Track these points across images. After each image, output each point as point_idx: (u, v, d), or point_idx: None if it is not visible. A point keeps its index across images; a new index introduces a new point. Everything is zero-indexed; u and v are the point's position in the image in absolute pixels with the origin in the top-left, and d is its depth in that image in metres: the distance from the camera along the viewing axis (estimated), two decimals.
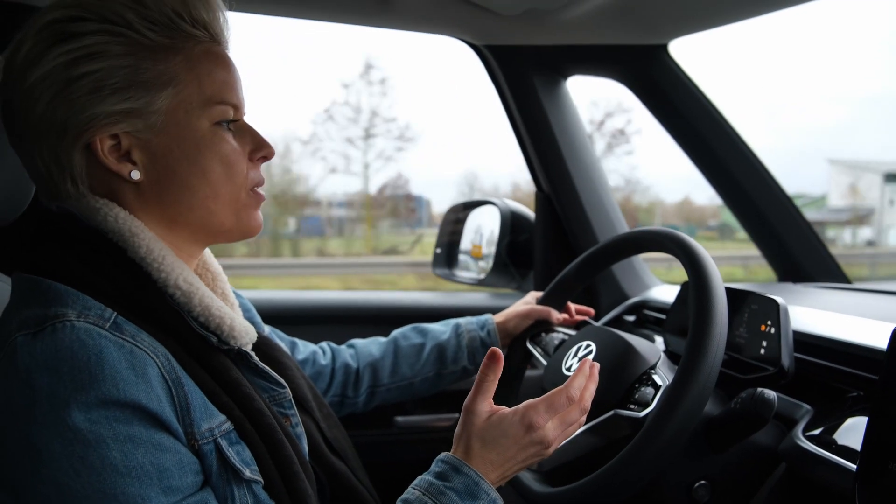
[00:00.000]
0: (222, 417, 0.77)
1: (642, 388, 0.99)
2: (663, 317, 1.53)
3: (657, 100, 1.73)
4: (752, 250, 1.72)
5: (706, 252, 1.00)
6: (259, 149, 0.87)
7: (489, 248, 1.99)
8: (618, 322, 1.73)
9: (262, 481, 0.79)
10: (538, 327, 1.32)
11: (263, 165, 0.90)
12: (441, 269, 2.14)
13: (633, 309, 1.74)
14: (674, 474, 1.01)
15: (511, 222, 1.95)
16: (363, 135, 17.84)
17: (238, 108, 0.85)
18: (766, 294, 1.13)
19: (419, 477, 0.83)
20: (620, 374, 1.02)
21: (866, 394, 1.00)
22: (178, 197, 0.82)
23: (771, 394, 0.93)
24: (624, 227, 1.86)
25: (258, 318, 1.11)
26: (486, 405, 0.87)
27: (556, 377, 1.11)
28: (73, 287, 0.74)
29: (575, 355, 1.11)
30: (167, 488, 0.69)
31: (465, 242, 2.11)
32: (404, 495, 0.81)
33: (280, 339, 1.20)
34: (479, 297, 2.04)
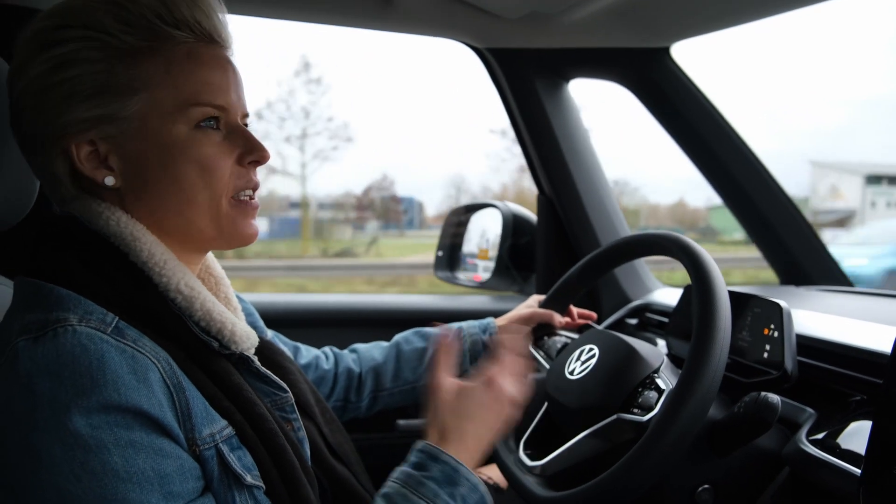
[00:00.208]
0: (223, 422, 0.77)
1: (646, 392, 0.99)
2: (666, 320, 1.53)
3: (659, 103, 1.73)
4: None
5: (709, 255, 1.00)
6: (250, 152, 0.84)
7: (494, 252, 1.99)
8: (620, 325, 1.73)
9: (264, 486, 0.78)
10: (541, 331, 1.32)
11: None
12: (443, 271, 2.14)
13: (635, 312, 1.74)
14: (677, 478, 1.00)
15: (513, 225, 1.95)
16: (300, 134, 17.82)
17: (225, 109, 0.82)
18: (768, 297, 1.13)
19: (397, 468, 0.83)
20: (623, 377, 1.02)
21: (870, 398, 0.99)
22: (155, 203, 0.81)
23: (774, 398, 0.93)
24: (626, 231, 1.86)
25: (261, 323, 1.11)
26: (449, 380, 0.90)
27: (559, 381, 1.11)
28: (74, 291, 0.74)
29: (578, 359, 1.11)
30: (168, 494, 0.69)
31: (471, 246, 2.10)
32: (383, 489, 0.81)
33: (283, 343, 1.20)
34: (481, 300, 2.04)
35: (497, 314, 1.40)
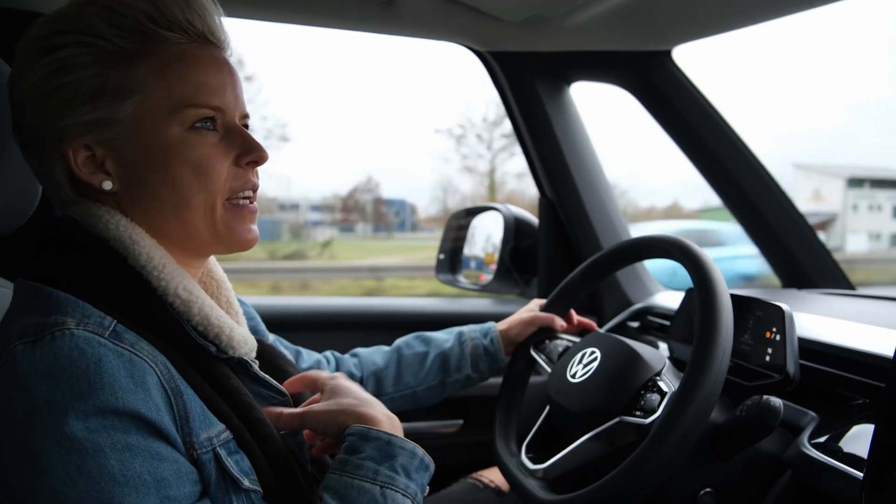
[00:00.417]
0: (221, 426, 0.77)
1: (648, 395, 0.98)
2: (667, 323, 1.52)
3: (661, 106, 1.73)
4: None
5: (711, 259, 1.00)
6: (248, 152, 0.83)
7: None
8: (622, 328, 1.73)
9: (262, 491, 0.78)
10: (542, 334, 1.32)
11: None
12: (444, 274, 2.14)
13: (637, 315, 1.74)
14: (679, 482, 1.00)
15: (514, 228, 1.95)
16: None
17: (221, 109, 0.82)
18: (770, 301, 1.13)
19: (335, 458, 0.83)
20: (625, 380, 1.02)
21: (872, 401, 0.99)
22: (151, 207, 0.81)
23: (776, 401, 0.93)
24: (628, 234, 1.86)
25: (262, 326, 1.11)
26: (315, 373, 0.97)
27: (560, 384, 1.11)
28: (73, 295, 0.74)
29: (580, 362, 1.11)
30: (165, 498, 0.68)
31: (477, 250, 2.10)
32: (324, 482, 0.80)
33: (285, 347, 1.20)
34: (483, 304, 2.04)
35: (498, 317, 1.40)
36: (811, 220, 1.75)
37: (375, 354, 1.32)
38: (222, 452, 0.75)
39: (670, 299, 1.72)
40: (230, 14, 0.87)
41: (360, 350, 1.34)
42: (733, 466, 1.01)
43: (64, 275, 0.76)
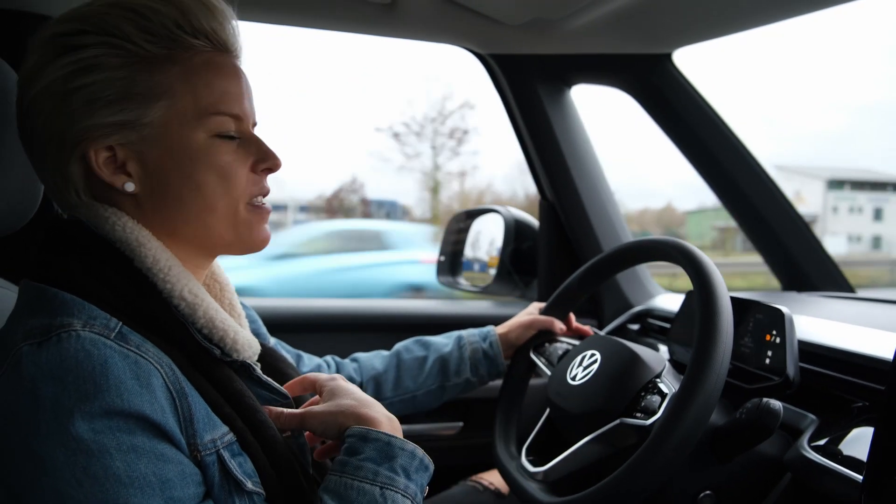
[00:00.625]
0: (225, 428, 0.77)
1: (648, 397, 0.99)
2: (668, 326, 1.53)
3: (661, 109, 1.73)
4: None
5: (711, 261, 1.00)
6: (263, 160, 0.86)
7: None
8: (622, 331, 1.73)
9: (264, 493, 0.78)
10: (541, 337, 1.32)
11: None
12: (445, 276, 2.14)
13: (637, 318, 1.74)
14: (679, 484, 1.00)
15: (515, 230, 1.95)
16: None
17: (241, 118, 0.83)
18: (770, 303, 1.13)
19: (335, 459, 0.83)
20: (626, 382, 1.02)
21: (872, 404, 0.99)
22: (173, 210, 0.81)
23: (776, 404, 0.93)
24: (628, 236, 1.87)
25: (264, 330, 1.11)
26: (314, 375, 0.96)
27: (560, 387, 1.11)
28: (79, 296, 0.74)
29: (580, 364, 1.11)
30: (169, 499, 0.69)
31: (481, 252, 2.10)
32: (323, 484, 0.80)
33: (286, 351, 1.20)
34: (483, 306, 2.04)
35: (498, 320, 1.40)
36: None
37: (375, 359, 1.32)
38: (226, 454, 0.76)
39: (670, 302, 1.73)
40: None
41: (359, 355, 1.34)
42: (733, 469, 1.01)
43: (69, 276, 0.76)
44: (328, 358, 1.31)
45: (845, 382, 1.04)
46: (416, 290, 6.06)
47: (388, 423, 0.86)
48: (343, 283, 6.14)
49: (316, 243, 7.16)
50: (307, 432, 0.91)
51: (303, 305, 1.92)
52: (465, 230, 2.16)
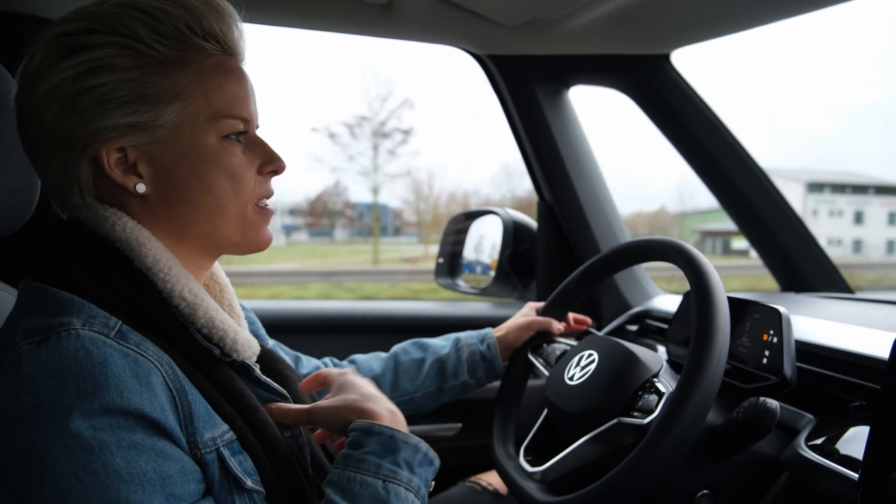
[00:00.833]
0: (225, 427, 0.77)
1: (646, 396, 0.99)
2: (666, 326, 1.53)
3: (659, 109, 1.73)
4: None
5: (708, 262, 1.01)
6: (269, 162, 0.87)
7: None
8: (620, 332, 1.74)
9: (264, 491, 0.78)
10: (539, 338, 1.32)
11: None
12: (443, 278, 2.14)
13: (635, 318, 1.74)
14: (676, 484, 1.00)
15: (513, 232, 1.96)
16: None
17: (249, 121, 0.84)
18: (768, 303, 1.13)
19: (338, 453, 0.84)
20: (623, 382, 1.02)
21: (868, 403, 1.00)
22: (183, 211, 0.82)
23: (773, 403, 0.93)
24: (626, 237, 1.87)
25: (262, 331, 1.11)
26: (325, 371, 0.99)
27: (558, 387, 1.11)
28: (78, 296, 0.74)
29: (578, 365, 1.11)
30: (170, 496, 0.69)
31: (484, 255, 2.10)
32: (327, 477, 0.81)
33: (285, 353, 1.20)
34: (481, 307, 2.05)
35: (497, 321, 1.40)
36: None
37: (373, 361, 1.32)
38: (226, 452, 0.76)
39: (668, 302, 1.73)
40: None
41: (357, 357, 1.34)
42: (730, 468, 1.01)
43: (68, 276, 0.76)
44: (326, 360, 1.31)
45: (842, 382, 1.04)
46: None
47: (390, 417, 0.87)
48: None
49: None
50: (319, 429, 0.93)
51: (301, 307, 1.92)
52: (464, 232, 2.16)
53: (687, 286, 1.02)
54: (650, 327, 1.67)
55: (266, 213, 0.88)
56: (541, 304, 1.38)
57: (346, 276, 15.20)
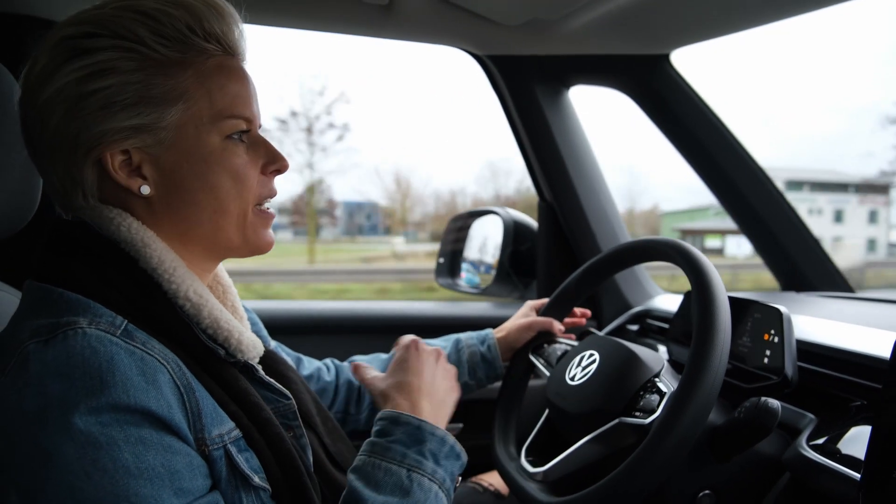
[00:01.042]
0: (231, 424, 0.78)
1: (647, 396, 0.99)
2: (666, 326, 1.53)
3: (659, 109, 1.73)
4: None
5: (709, 261, 1.01)
6: (272, 162, 0.87)
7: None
8: (621, 331, 1.74)
9: (270, 489, 0.79)
10: (540, 338, 1.32)
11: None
12: (444, 278, 2.14)
13: (636, 318, 1.74)
14: (678, 484, 1.00)
15: (514, 232, 1.96)
16: None
17: (251, 121, 0.85)
18: (769, 303, 1.13)
19: (365, 441, 0.86)
20: (624, 382, 1.02)
21: (870, 403, 0.99)
22: (187, 212, 0.82)
23: (774, 403, 0.93)
24: (626, 237, 1.87)
25: (265, 332, 1.12)
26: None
27: (560, 388, 1.11)
28: (84, 296, 0.74)
29: (579, 365, 1.11)
30: (179, 490, 0.69)
31: (488, 256, 2.10)
32: (353, 464, 0.83)
33: (286, 354, 1.20)
34: (482, 307, 2.05)
35: (497, 321, 1.40)
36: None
37: (374, 362, 1.32)
38: (233, 449, 0.77)
39: (669, 302, 1.73)
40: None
41: (358, 357, 1.34)
42: (732, 468, 1.01)
43: (73, 277, 0.76)
44: (328, 361, 1.31)
45: (843, 381, 1.04)
46: None
47: (429, 409, 0.91)
48: None
49: None
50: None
51: (301, 308, 1.92)
52: (465, 232, 2.16)
53: (688, 285, 1.02)
54: (651, 327, 1.67)
55: (266, 216, 0.89)
56: (541, 303, 1.38)
57: (271, 275, 14.95)
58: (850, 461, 0.90)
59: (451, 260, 2.16)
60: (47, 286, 0.76)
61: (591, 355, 1.11)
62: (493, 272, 2.01)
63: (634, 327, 1.72)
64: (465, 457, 0.87)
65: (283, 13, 1.54)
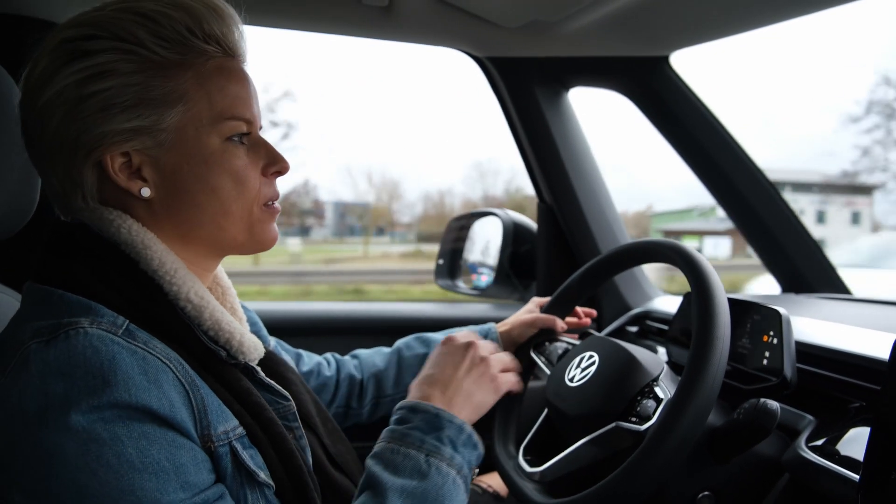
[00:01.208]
0: (235, 422, 0.79)
1: (644, 401, 0.99)
2: (666, 327, 1.53)
3: (659, 111, 1.73)
4: None
5: (709, 263, 1.01)
6: (273, 163, 0.87)
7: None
8: (621, 333, 1.73)
9: (274, 486, 0.79)
10: (542, 336, 1.32)
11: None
12: (443, 279, 2.14)
13: (635, 320, 1.74)
14: (677, 486, 1.00)
15: (513, 233, 1.96)
16: None
17: (251, 122, 0.85)
18: (768, 305, 1.13)
19: (384, 429, 0.87)
20: (623, 385, 1.02)
21: (868, 404, 0.99)
22: (188, 213, 0.82)
23: (774, 404, 0.93)
24: (626, 238, 1.87)
25: (264, 332, 1.12)
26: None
27: (559, 387, 1.11)
28: (84, 297, 0.75)
29: (578, 366, 1.11)
30: (184, 483, 0.70)
31: (490, 258, 2.09)
32: (373, 451, 0.84)
33: (285, 350, 1.20)
34: (482, 308, 2.05)
35: (498, 322, 1.40)
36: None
37: (376, 356, 1.32)
38: (238, 446, 0.77)
39: (669, 303, 1.73)
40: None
41: (360, 351, 1.34)
42: (731, 470, 1.01)
43: (74, 279, 0.76)
44: (328, 356, 1.31)
45: (842, 383, 1.04)
46: None
47: (447, 400, 0.93)
48: None
49: None
50: None
51: (301, 308, 1.92)
52: (464, 233, 2.16)
53: (687, 287, 1.02)
54: (650, 328, 1.66)
55: (272, 212, 0.89)
56: (545, 300, 1.38)
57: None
58: (849, 462, 0.90)
59: (450, 261, 2.16)
60: (48, 288, 0.76)
61: (591, 357, 1.11)
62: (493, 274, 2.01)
63: (634, 329, 1.72)
64: (481, 447, 0.89)
65: (283, 14, 1.54)
